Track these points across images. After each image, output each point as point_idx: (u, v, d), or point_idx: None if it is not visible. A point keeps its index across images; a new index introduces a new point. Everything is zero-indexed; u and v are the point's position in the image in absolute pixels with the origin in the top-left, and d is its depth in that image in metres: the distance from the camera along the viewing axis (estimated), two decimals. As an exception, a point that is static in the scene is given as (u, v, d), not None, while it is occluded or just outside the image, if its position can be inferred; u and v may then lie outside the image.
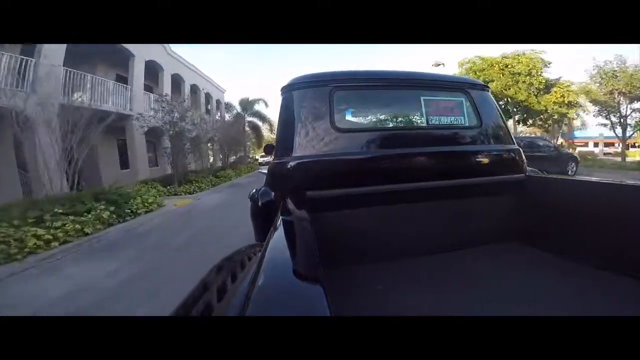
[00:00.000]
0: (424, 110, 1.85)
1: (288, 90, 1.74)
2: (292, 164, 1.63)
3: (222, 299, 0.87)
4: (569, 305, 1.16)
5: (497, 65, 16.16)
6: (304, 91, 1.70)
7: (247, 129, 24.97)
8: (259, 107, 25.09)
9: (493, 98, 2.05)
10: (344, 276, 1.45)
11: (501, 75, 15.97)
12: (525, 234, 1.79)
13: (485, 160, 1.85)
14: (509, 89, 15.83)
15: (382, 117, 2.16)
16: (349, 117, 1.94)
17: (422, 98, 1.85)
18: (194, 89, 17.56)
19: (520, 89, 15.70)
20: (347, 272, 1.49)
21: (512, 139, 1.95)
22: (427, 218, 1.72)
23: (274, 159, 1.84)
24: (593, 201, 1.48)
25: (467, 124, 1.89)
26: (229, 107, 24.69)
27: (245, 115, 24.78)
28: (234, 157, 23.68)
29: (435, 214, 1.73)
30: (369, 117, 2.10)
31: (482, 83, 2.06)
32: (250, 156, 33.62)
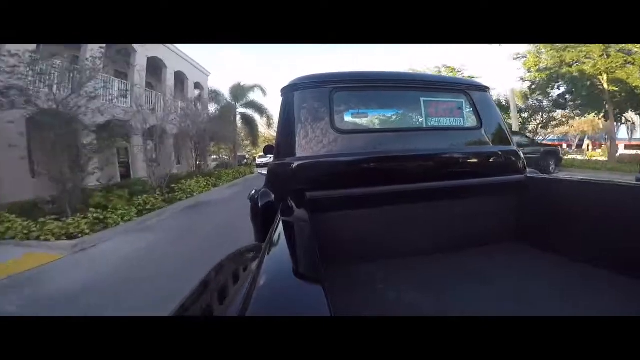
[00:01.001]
0: (423, 111, 1.86)
1: (288, 91, 1.74)
2: (292, 164, 1.63)
3: (222, 299, 0.87)
4: (569, 305, 1.16)
5: (598, 42, 12.94)
6: (304, 92, 1.70)
7: (238, 122, 20.02)
8: (254, 95, 19.84)
9: (492, 99, 2.05)
10: (344, 276, 1.45)
11: (604, 54, 12.71)
12: (525, 235, 1.79)
13: (485, 162, 1.85)
14: (614, 71, 12.51)
15: (382, 118, 2.16)
16: (348, 118, 1.94)
17: (421, 99, 1.86)
18: (156, 63, 12.57)
19: (632, 72, 12.23)
20: (347, 272, 1.49)
21: (511, 140, 1.95)
22: (427, 219, 1.72)
23: (273, 160, 1.84)
24: (593, 201, 1.48)
25: (466, 125, 1.90)
26: (216, 94, 19.17)
27: (237, 106, 19.59)
28: (223, 157, 19.08)
29: (435, 215, 1.73)
30: (369, 118, 2.10)
31: (482, 84, 2.06)
32: (247, 156, 29.95)
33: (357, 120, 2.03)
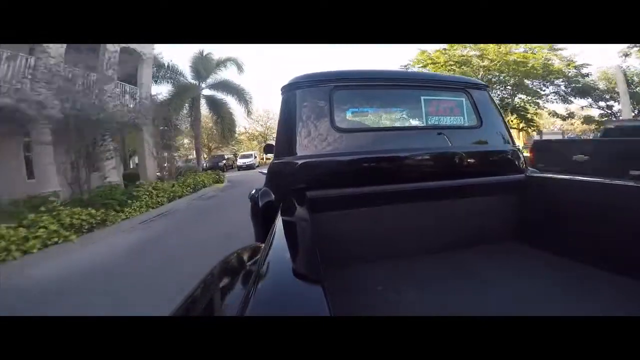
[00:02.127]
0: (424, 110, 1.86)
1: (288, 90, 1.74)
2: (292, 163, 1.63)
3: (222, 299, 0.87)
4: (569, 305, 1.16)
5: None
6: (304, 91, 1.70)
7: (203, 109, 14.88)
8: (226, 73, 14.45)
9: (493, 97, 2.05)
10: (344, 276, 1.45)
11: None
12: (525, 234, 1.79)
13: (486, 161, 1.85)
14: None
15: (382, 117, 2.16)
16: (349, 117, 1.94)
17: (422, 98, 1.85)
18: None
19: None
20: (347, 272, 1.49)
21: (512, 139, 1.95)
22: (428, 218, 1.72)
23: (273, 159, 1.85)
24: (593, 201, 1.48)
25: (467, 124, 1.89)
26: (171, 72, 13.25)
27: (202, 87, 14.07)
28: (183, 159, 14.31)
29: (435, 214, 1.73)
30: (369, 117, 2.10)
31: (483, 83, 2.06)
32: (228, 156, 24.95)
33: (358, 119, 2.03)
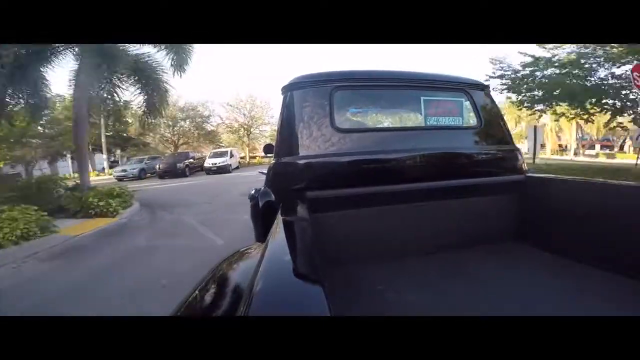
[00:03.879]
0: (423, 110, 1.86)
1: (288, 90, 1.74)
2: (292, 164, 1.63)
3: (222, 299, 0.87)
4: (569, 305, 1.16)
5: None
6: (305, 91, 1.70)
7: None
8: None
9: (493, 98, 2.05)
10: (344, 276, 1.45)
11: None
12: (525, 234, 1.79)
13: (486, 161, 1.85)
14: None
15: (382, 117, 2.16)
16: (349, 117, 1.94)
17: (422, 98, 1.85)
18: None
19: None
20: (347, 272, 1.49)
21: (512, 140, 1.95)
22: (427, 218, 1.72)
23: (274, 159, 1.85)
24: (593, 201, 1.48)
25: (466, 125, 1.90)
26: None
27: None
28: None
29: (435, 215, 1.74)
30: (369, 117, 2.10)
31: (482, 83, 2.06)
32: (196, 156, 18.38)
33: (358, 119, 2.03)
